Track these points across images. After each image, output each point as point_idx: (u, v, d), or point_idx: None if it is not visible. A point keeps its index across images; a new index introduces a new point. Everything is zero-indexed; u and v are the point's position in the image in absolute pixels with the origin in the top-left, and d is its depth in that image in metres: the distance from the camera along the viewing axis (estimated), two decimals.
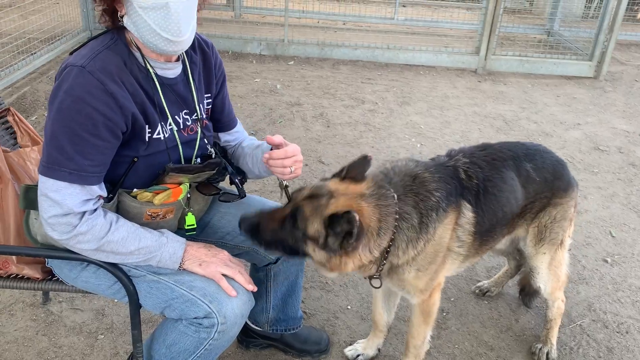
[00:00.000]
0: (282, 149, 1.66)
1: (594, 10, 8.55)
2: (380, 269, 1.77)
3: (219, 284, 1.58)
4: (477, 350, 2.37)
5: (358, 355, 2.26)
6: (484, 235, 1.95)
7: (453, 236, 1.84)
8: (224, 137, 1.90)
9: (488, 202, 1.90)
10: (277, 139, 1.67)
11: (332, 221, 1.56)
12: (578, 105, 5.36)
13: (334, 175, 1.77)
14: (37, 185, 1.49)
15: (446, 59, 6.11)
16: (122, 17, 1.50)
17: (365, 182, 1.73)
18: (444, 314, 2.55)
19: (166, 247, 1.57)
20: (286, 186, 1.74)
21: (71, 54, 1.53)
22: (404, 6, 7.38)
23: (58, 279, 1.75)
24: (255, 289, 1.66)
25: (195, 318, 1.57)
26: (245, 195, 1.79)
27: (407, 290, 1.91)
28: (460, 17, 7.20)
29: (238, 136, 1.92)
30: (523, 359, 2.33)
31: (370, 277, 1.85)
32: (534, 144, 2.20)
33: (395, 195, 1.74)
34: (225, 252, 1.66)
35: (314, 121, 4.59)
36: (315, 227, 1.60)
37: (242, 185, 1.75)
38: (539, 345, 2.35)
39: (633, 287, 2.83)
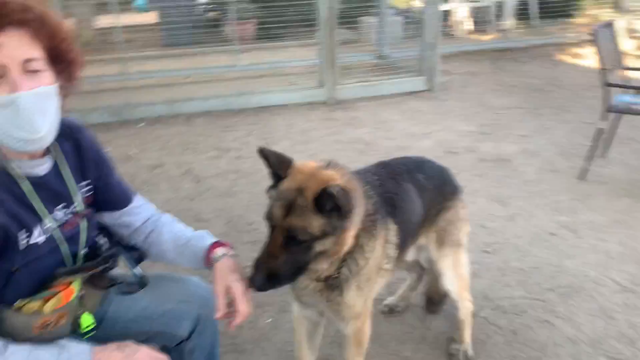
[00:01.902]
0: (240, 313, 1.55)
1: (412, 32, 9.47)
2: (340, 266, 1.76)
3: None
4: None
5: None
6: (400, 248, 2.02)
7: (383, 253, 1.89)
8: (122, 218, 1.72)
9: (400, 214, 1.96)
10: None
11: (321, 205, 1.52)
12: (422, 117, 5.82)
13: (274, 181, 1.67)
14: None
15: (295, 95, 6.31)
16: None
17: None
18: None
19: None
20: None
21: None
22: (241, 52, 7.50)
23: None
24: None
25: None
26: (148, 283, 1.62)
27: (343, 316, 1.88)
28: (301, 55, 7.51)
29: (141, 212, 1.75)
30: None
31: (324, 281, 1.80)
32: (419, 157, 2.36)
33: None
34: (144, 348, 1.47)
35: (181, 180, 4.43)
36: (316, 224, 1.54)
37: (139, 272, 1.60)
38: (456, 346, 2.45)
39: (515, 269, 3.08)
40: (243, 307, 1.54)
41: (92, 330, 1.53)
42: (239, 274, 1.59)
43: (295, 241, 1.56)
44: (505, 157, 4.68)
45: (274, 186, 1.65)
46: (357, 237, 1.76)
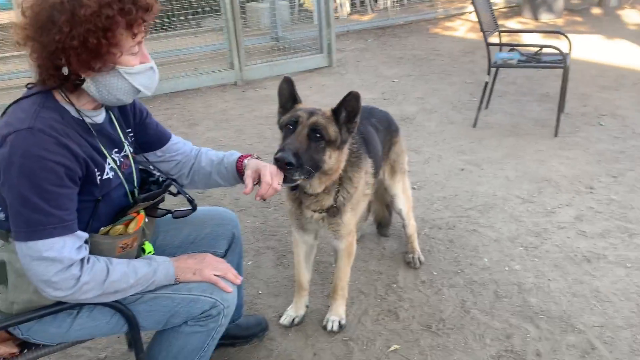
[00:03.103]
0: (264, 183, 1.86)
1: (298, 14, 10.00)
2: (336, 197, 2.22)
3: (217, 285, 1.75)
4: (371, 278, 2.91)
5: (293, 319, 2.59)
6: (375, 177, 2.52)
7: (365, 182, 2.37)
8: (166, 155, 1.98)
9: (372, 150, 2.46)
10: (263, 176, 1.88)
11: (339, 111, 2.04)
12: (329, 89, 6.36)
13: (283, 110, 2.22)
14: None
15: (206, 79, 6.55)
16: (82, 80, 1.56)
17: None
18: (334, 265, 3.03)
19: (159, 270, 1.69)
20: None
21: None
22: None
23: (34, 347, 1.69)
24: (241, 280, 1.87)
25: (202, 313, 1.73)
26: (197, 207, 1.91)
27: (341, 234, 2.35)
28: (209, 40, 7.70)
29: (180, 148, 2.02)
30: (404, 270, 2.97)
31: (325, 211, 2.26)
32: (368, 105, 2.85)
33: None
34: (209, 254, 1.82)
35: None
36: (332, 129, 2.01)
37: (190, 196, 1.90)
38: (410, 255, 3.01)
39: (439, 197, 3.73)
40: (267, 178, 1.87)
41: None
42: (265, 165, 1.94)
43: (316, 137, 2.01)
44: (409, 116, 5.36)
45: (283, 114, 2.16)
46: (346, 171, 2.25)
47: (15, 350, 1.67)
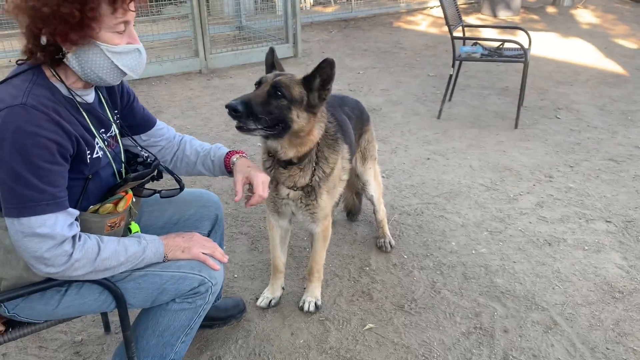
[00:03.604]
0: (257, 195, 1.91)
1: (260, 4, 9.96)
2: (312, 176, 2.25)
3: (205, 263, 1.78)
4: (344, 262, 2.98)
5: (270, 301, 2.63)
6: (350, 163, 2.57)
7: (341, 167, 2.41)
8: (150, 139, 1.99)
9: (347, 137, 2.50)
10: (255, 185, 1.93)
11: (312, 77, 2.03)
12: None
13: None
14: None
15: (171, 66, 6.46)
16: (65, 53, 1.54)
17: None
18: (308, 250, 3.08)
19: (148, 248, 1.70)
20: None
21: None
22: None
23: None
24: (227, 258, 1.90)
25: (190, 290, 1.75)
26: (184, 186, 1.92)
27: (317, 217, 2.39)
28: (170, 28, 7.57)
29: (164, 133, 2.03)
30: (376, 254, 3.05)
31: (302, 189, 2.29)
32: (340, 94, 2.91)
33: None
34: (197, 234, 1.84)
35: None
36: (297, 90, 2.01)
37: (177, 176, 1.92)
38: (381, 240, 3.10)
39: (407, 185, 3.83)
40: (259, 189, 1.92)
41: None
42: (255, 167, 1.99)
43: (277, 94, 2.01)
44: (375, 107, 5.46)
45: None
46: (322, 151, 2.29)
47: (1, 328, 1.65)
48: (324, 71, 2.03)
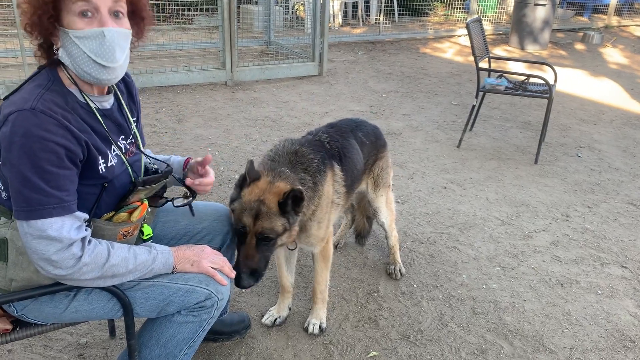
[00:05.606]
0: (208, 179, 1.96)
1: (290, 21, 10.11)
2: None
3: (214, 278, 1.79)
4: (353, 285, 2.97)
5: (275, 320, 2.62)
6: (349, 188, 2.57)
7: (333, 190, 2.41)
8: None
9: (347, 162, 2.52)
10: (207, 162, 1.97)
11: (283, 207, 2.03)
12: (318, 98, 6.44)
13: (239, 189, 2.11)
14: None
15: (197, 75, 6.56)
16: (57, 50, 1.58)
17: (263, 176, 2.13)
18: None
19: (158, 258, 1.71)
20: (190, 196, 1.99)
21: (4, 99, 1.55)
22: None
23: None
24: (235, 274, 1.92)
25: (196, 304, 1.76)
26: (196, 194, 1.97)
27: (312, 243, 2.40)
28: (199, 38, 7.69)
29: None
30: (385, 280, 3.03)
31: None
32: (358, 118, 2.91)
33: (288, 170, 2.20)
34: (207, 247, 1.85)
35: None
36: (279, 223, 2.03)
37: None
38: (392, 266, 3.08)
39: (421, 213, 3.82)
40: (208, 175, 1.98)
41: (150, 238, 1.87)
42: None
43: (265, 240, 2.06)
44: (395, 131, 5.47)
45: (235, 199, 2.10)
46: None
47: (9, 327, 1.67)
48: (295, 200, 2.05)
